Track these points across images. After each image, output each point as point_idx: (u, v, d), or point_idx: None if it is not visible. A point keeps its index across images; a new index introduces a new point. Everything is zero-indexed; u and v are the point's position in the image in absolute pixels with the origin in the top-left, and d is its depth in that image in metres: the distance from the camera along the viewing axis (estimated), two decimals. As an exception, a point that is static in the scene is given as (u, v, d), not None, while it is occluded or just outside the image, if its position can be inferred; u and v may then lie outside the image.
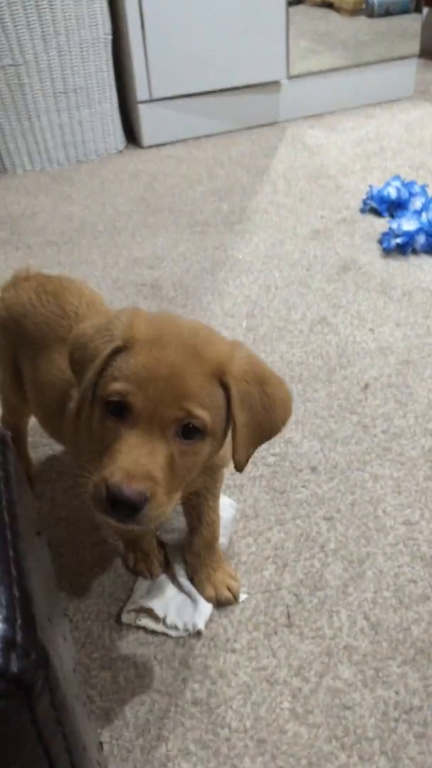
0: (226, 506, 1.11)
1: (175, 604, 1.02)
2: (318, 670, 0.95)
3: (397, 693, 0.92)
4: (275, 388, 0.75)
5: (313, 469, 1.24)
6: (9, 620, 0.36)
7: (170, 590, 1.04)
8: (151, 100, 2.39)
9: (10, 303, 1.04)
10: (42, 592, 0.42)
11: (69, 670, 0.46)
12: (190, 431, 0.70)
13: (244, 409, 0.72)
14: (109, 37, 2.28)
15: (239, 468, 0.76)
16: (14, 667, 0.35)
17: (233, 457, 0.75)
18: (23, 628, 0.36)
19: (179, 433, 0.70)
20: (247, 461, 0.76)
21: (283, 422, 0.76)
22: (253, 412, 0.73)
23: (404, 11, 3.53)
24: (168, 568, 1.08)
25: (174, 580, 1.05)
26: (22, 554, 0.40)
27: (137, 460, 0.67)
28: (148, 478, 0.67)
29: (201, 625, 0.99)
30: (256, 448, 0.77)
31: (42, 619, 0.39)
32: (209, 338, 0.74)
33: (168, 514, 0.72)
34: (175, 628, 1.00)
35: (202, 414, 0.70)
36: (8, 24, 2.12)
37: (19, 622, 0.36)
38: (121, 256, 1.90)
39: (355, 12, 3.57)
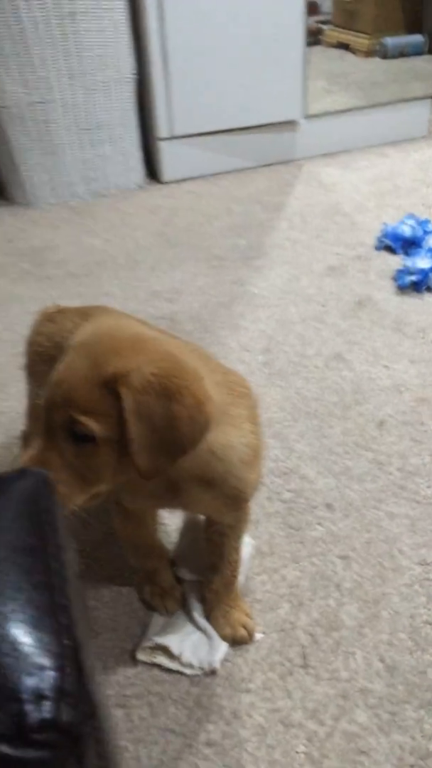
0: (244, 543, 1.11)
1: (190, 642, 1.02)
2: (334, 713, 0.95)
3: (413, 738, 0.91)
4: (184, 406, 0.72)
5: (329, 507, 1.24)
6: (60, 669, 0.36)
7: (186, 627, 1.04)
8: (172, 138, 2.45)
9: (52, 334, 1.05)
10: (86, 637, 0.43)
11: (107, 715, 0.46)
12: (79, 436, 0.73)
13: (140, 421, 0.71)
14: (134, 76, 2.35)
15: (143, 476, 0.75)
16: (65, 717, 0.35)
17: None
18: (73, 677, 0.36)
19: (71, 436, 0.74)
20: (154, 470, 0.74)
21: (191, 441, 0.74)
22: (152, 426, 0.71)
23: (418, 53, 3.61)
24: (184, 605, 1.08)
25: (190, 616, 1.05)
26: (71, 601, 0.41)
27: (30, 454, 0.74)
28: (39, 464, 0.73)
29: (216, 664, 0.99)
30: (170, 460, 0.75)
31: (89, 667, 0.39)
32: (116, 347, 0.73)
33: (77, 503, 0.76)
34: (191, 666, 0.99)
35: (86, 420, 0.72)
36: (37, 63, 2.18)
37: (68, 671, 0.36)
38: (140, 289, 1.93)
39: (370, 53, 3.66)
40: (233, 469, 0.84)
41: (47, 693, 0.35)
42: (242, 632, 1.02)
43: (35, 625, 0.39)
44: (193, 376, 0.73)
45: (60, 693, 0.36)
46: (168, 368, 0.72)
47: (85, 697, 0.37)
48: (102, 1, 2.17)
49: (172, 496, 0.87)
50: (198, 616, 1.05)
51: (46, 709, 0.35)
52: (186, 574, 1.11)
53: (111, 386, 0.71)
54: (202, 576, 1.08)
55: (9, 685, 0.35)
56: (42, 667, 0.36)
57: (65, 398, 0.72)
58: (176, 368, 0.72)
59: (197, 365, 0.77)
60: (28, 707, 0.35)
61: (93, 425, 0.72)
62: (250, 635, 1.03)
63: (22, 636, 0.38)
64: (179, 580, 1.11)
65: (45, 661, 0.37)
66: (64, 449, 0.74)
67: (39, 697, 0.35)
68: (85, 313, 1.03)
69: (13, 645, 0.37)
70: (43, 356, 1.05)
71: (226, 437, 0.82)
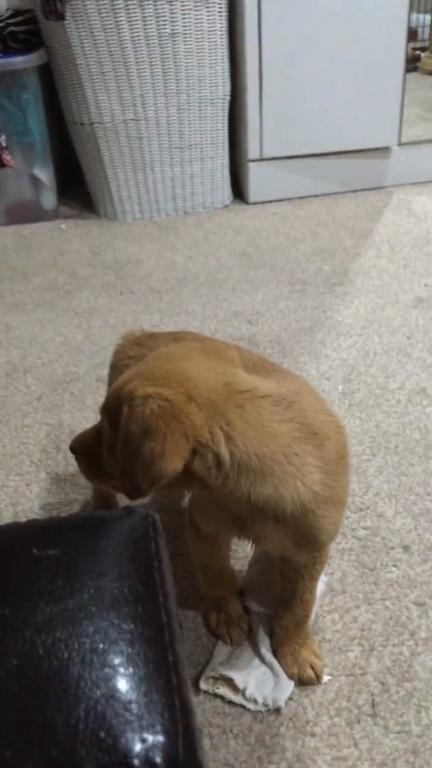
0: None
1: (255, 676, 0.98)
2: (402, 770, 0.90)
3: None
4: (149, 450, 0.71)
5: (406, 549, 1.19)
6: (171, 735, 0.34)
7: (252, 660, 1.01)
8: (261, 159, 2.45)
9: (141, 357, 1.05)
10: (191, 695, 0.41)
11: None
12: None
13: (123, 442, 0.74)
14: (227, 98, 2.37)
15: (123, 492, 0.78)
16: (175, 786, 0.33)
17: None
18: (185, 744, 0.34)
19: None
20: (129, 490, 0.76)
21: (145, 483, 0.74)
22: (128, 452, 0.73)
23: None
24: (251, 637, 1.05)
25: (256, 649, 1.02)
26: (180, 659, 0.39)
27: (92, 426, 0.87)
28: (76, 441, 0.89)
29: (281, 702, 0.96)
30: (146, 483, 0.74)
31: (198, 730, 0.37)
32: (152, 372, 0.76)
33: (91, 481, 0.95)
34: (254, 701, 0.96)
35: (103, 421, 0.81)
36: (135, 81, 2.23)
37: (181, 738, 0.34)
38: (220, 309, 1.93)
39: (468, 82, 3.58)
40: (303, 512, 0.79)
41: (157, 760, 0.33)
42: (310, 673, 0.99)
43: (147, 682, 0.37)
44: (176, 429, 0.71)
45: (171, 762, 0.33)
46: (164, 410, 0.71)
47: (195, 765, 0.35)
48: (203, 24, 2.21)
49: (240, 529, 0.85)
50: (265, 650, 1.02)
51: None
52: (254, 606, 1.08)
53: (122, 402, 0.74)
54: (270, 609, 1.05)
55: (119, 747, 0.34)
56: (153, 731, 0.34)
57: (105, 398, 0.81)
58: (170, 415, 0.71)
59: (233, 414, 0.74)
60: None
61: (104, 428, 0.80)
62: (318, 677, 0.99)
63: (133, 694, 0.36)
64: (247, 611, 1.08)
65: (156, 724, 0.35)
66: (101, 429, 0.82)
67: (149, 764, 0.33)
68: (178, 338, 1.03)
69: (124, 704, 0.35)
70: None
71: (274, 490, 0.76)
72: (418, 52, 3.96)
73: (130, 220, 2.48)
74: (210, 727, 0.95)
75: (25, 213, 2.50)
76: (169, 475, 0.72)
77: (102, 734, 0.33)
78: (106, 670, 0.37)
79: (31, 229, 2.46)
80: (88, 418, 1.51)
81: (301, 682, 0.99)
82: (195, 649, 1.05)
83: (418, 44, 4.04)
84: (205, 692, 0.99)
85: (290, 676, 0.98)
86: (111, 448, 0.78)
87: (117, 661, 0.37)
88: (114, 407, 0.76)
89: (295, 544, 0.85)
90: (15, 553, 0.43)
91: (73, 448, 0.88)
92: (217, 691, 0.98)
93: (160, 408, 0.71)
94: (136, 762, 0.33)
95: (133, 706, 0.35)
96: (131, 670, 0.37)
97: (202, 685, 0.99)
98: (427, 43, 3.98)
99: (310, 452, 0.78)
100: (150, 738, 0.34)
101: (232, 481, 0.75)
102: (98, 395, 1.56)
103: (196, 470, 0.74)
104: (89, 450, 0.85)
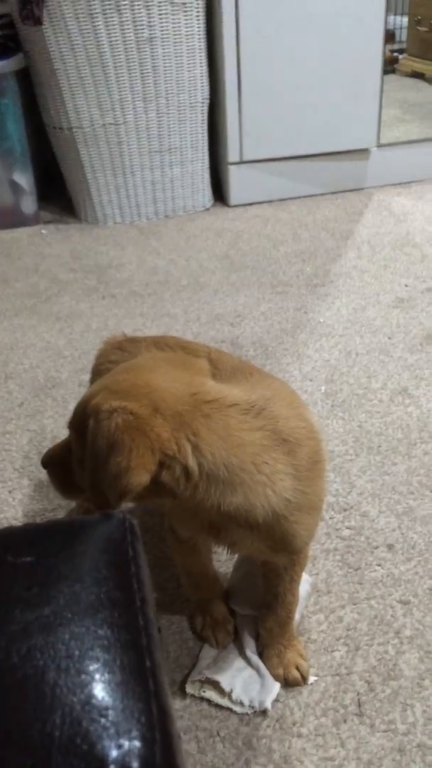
0: (302, 580, 1.08)
1: (242, 679, 0.98)
2: (389, 768, 0.90)
3: (474, 805, 0.86)
4: (116, 464, 0.71)
5: (390, 548, 1.20)
6: (148, 741, 0.34)
7: (237, 663, 1.01)
8: (241, 162, 2.46)
9: (121, 362, 1.05)
10: (170, 702, 0.41)
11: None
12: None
13: (90, 455, 0.74)
14: (207, 101, 2.37)
15: (92, 504, 0.77)
16: (151, 793, 0.33)
17: None
18: (162, 749, 0.34)
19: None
20: (98, 502, 0.75)
21: (113, 498, 0.74)
22: (95, 464, 0.74)
23: None
24: (236, 639, 1.05)
25: (242, 652, 1.02)
26: (158, 664, 0.38)
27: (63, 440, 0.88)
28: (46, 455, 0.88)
29: (268, 704, 0.95)
30: (114, 497, 0.73)
31: (176, 736, 0.37)
32: (117, 385, 0.76)
33: (61, 495, 0.91)
34: (241, 704, 0.96)
35: (70, 435, 0.82)
36: (113, 85, 2.23)
37: (158, 742, 0.34)
38: (202, 312, 1.93)
39: (446, 83, 3.62)
40: (276, 518, 0.79)
41: (134, 766, 0.33)
42: (295, 674, 0.99)
43: (123, 688, 0.37)
44: (142, 443, 0.71)
45: (148, 767, 0.33)
46: (129, 424, 0.71)
47: (173, 772, 0.34)
48: (181, 28, 2.21)
49: (215, 534, 0.85)
50: (250, 652, 1.02)
51: (133, 784, 0.33)
52: (239, 608, 1.08)
53: (89, 416, 0.74)
54: (256, 611, 1.05)
55: (95, 754, 0.33)
56: (130, 737, 0.34)
57: (73, 412, 0.80)
58: (135, 428, 0.71)
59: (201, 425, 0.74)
60: (114, 780, 0.33)
61: (72, 441, 0.80)
62: (304, 677, 0.99)
63: (110, 700, 0.36)
64: (232, 613, 1.08)
65: (133, 730, 0.35)
66: (72, 449, 0.82)
67: (125, 769, 0.33)
68: (160, 343, 1.02)
69: (100, 711, 0.35)
70: None
71: (244, 498, 0.76)
72: (395, 54, 4.00)
73: (111, 224, 2.47)
74: (197, 731, 0.95)
75: (5, 218, 2.49)
76: (136, 489, 0.71)
77: (78, 741, 0.33)
78: (82, 676, 0.36)
79: (11, 234, 2.45)
80: (71, 423, 1.50)
81: (287, 683, 0.99)
82: (181, 653, 1.05)
83: (396, 46, 4.08)
84: (192, 696, 0.99)
85: (276, 678, 0.98)
86: (80, 462, 0.78)
87: (93, 667, 0.37)
88: (81, 421, 0.76)
89: (270, 549, 0.85)
90: (-11, 560, 0.43)
91: (44, 463, 0.88)
92: (203, 694, 0.98)
93: (125, 422, 0.71)
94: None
95: (110, 712, 0.35)
96: (107, 676, 0.37)
97: (188, 689, 0.99)
98: (404, 45, 4.02)
99: (280, 460, 0.78)
100: (126, 744, 0.34)
101: (202, 491, 0.75)
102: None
103: (165, 482, 0.74)
104: (60, 464, 0.85)
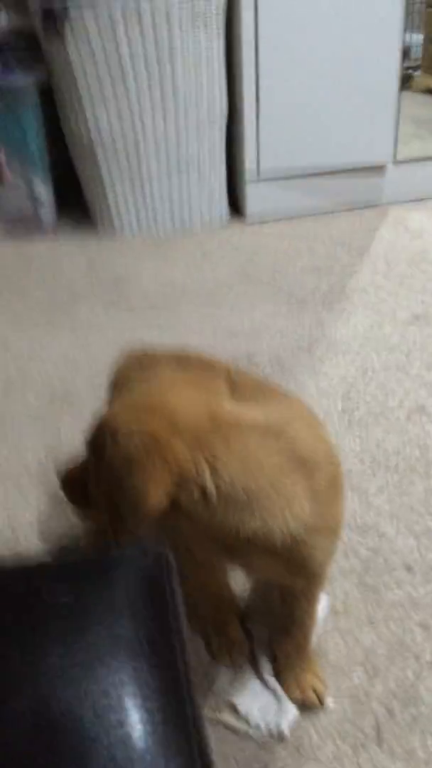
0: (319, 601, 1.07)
1: (258, 702, 0.97)
2: (408, 797, 0.88)
3: None
4: (132, 487, 0.71)
5: (409, 569, 1.19)
6: None
7: (254, 686, 1.00)
8: (259, 178, 2.46)
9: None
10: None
11: None
12: None
13: (105, 475, 0.74)
14: (224, 117, 2.38)
15: (110, 530, 0.76)
16: None
17: None
18: None
19: None
20: (113, 527, 0.74)
21: (132, 524, 0.73)
22: (108, 486, 0.73)
23: None
24: (253, 661, 1.04)
25: (259, 674, 1.01)
26: (198, 712, 0.37)
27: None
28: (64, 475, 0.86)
29: (285, 728, 0.94)
30: (132, 519, 0.73)
31: None
32: (137, 404, 0.76)
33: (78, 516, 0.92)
34: (258, 728, 0.95)
35: (87, 449, 0.79)
36: (133, 99, 2.24)
37: None
38: (219, 326, 1.92)
39: (462, 101, 3.62)
40: (294, 542, 0.78)
41: None
42: (312, 696, 0.98)
43: (167, 745, 0.35)
44: (160, 465, 0.71)
45: None
46: (148, 446, 0.71)
47: None
48: (200, 43, 2.22)
49: (231, 558, 0.84)
50: (267, 674, 1.01)
51: None
52: (256, 629, 1.07)
53: (106, 436, 0.73)
54: (273, 632, 1.04)
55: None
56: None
57: (90, 432, 0.78)
58: (153, 451, 0.71)
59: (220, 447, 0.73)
60: None
61: (89, 461, 0.78)
62: (321, 701, 0.98)
63: (149, 752, 0.34)
64: (249, 635, 1.07)
65: None
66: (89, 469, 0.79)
67: None
68: (182, 360, 1.01)
69: (138, 764, 0.34)
70: None
71: (263, 522, 0.75)
72: (410, 71, 4.00)
73: (128, 235, 2.48)
74: (214, 755, 0.94)
75: (24, 228, 2.50)
76: (154, 511, 0.71)
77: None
78: (124, 728, 0.35)
79: (30, 244, 2.46)
80: (87, 436, 1.50)
81: (304, 706, 0.98)
82: (196, 674, 1.03)
83: (411, 63, 4.08)
84: (208, 719, 0.97)
85: (293, 701, 0.97)
86: (97, 483, 0.77)
87: (135, 718, 0.36)
88: (98, 441, 0.75)
89: (288, 572, 0.84)
90: (26, 601, 0.42)
91: (62, 483, 0.86)
92: (219, 717, 0.97)
93: (143, 443, 0.70)
94: None
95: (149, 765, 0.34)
96: (150, 727, 0.36)
97: (205, 712, 0.97)
98: (419, 62, 4.02)
99: (299, 482, 0.77)
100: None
101: (220, 514, 0.74)
102: (96, 411, 1.55)
103: (182, 504, 0.73)
104: (77, 485, 0.84)
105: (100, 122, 2.28)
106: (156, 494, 0.70)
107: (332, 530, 0.83)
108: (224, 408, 0.77)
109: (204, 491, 0.73)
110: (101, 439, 0.74)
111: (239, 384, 0.96)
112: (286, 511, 0.76)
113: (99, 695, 0.37)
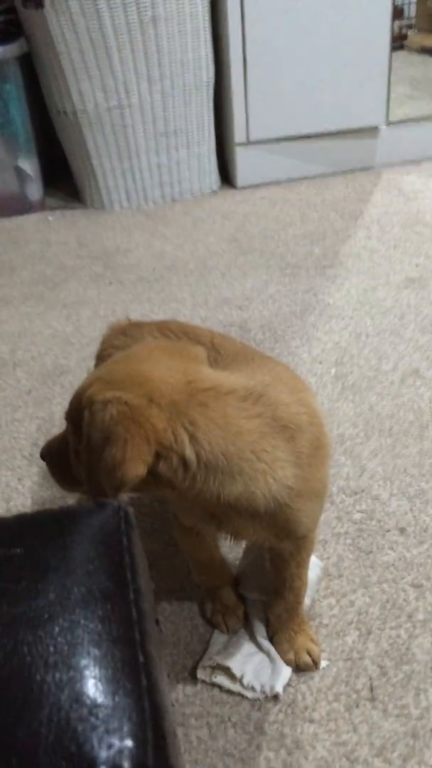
0: (312, 565, 1.07)
1: (252, 664, 0.98)
2: (402, 753, 0.89)
3: None
4: (111, 456, 0.70)
5: (402, 531, 1.19)
6: (140, 740, 0.33)
7: (248, 648, 1.00)
8: (248, 143, 2.42)
9: (126, 347, 1.04)
10: (166, 696, 0.39)
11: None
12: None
13: (86, 447, 0.73)
14: (212, 82, 2.33)
15: (89, 494, 0.77)
16: (143, 795, 0.32)
17: None
18: (155, 747, 0.33)
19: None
20: (95, 492, 0.74)
21: (109, 488, 0.73)
22: (91, 456, 0.73)
23: None
24: (247, 624, 1.04)
25: (252, 637, 1.02)
26: (151, 658, 0.37)
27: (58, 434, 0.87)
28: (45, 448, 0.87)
29: (279, 689, 0.95)
30: (110, 489, 0.73)
31: (170, 734, 0.36)
32: (112, 376, 0.75)
33: (61, 487, 0.90)
34: (252, 689, 0.96)
35: (67, 426, 0.80)
36: (117, 67, 2.20)
37: (150, 741, 0.33)
38: (210, 296, 1.91)
39: (456, 58, 3.54)
40: (278, 506, 0.78)
41: (125, 766, 0.32)
42: (306, 658, 0.98)
43: (114, 685, 0.35)
44: (137, 434, 0.70)
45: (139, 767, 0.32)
46: (123, 415, 0.70)
47: (166, 772, 0.33)
48: (185, 7, 2.17)
49: (218, 524, 0.84)
50: (261, 637, 1.01)
51: (124, 786, 0.32)
52: (249, 593, 1.07)
53: (84, 407, 0.74)
54: (266, 596, 1.05)
55: (84, 754, 0.32)
56: (121, 736, 0.33)
57: (69, 404, 0.79)
58: (130, 419, 0.70)
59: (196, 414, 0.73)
60: (105, 781, 0.32)
61: (69, 433, 0.79)
62: (315, 662, 0.98)
63: (100, 698, 0.35)
64: (242, 598, 1.07)
65: (124, 729, 0.33)
66: (69, 441, 0.80)
67: (116, 770, 0.31)
68: (163, 328, 1.01)
69: (90, 708, 0.34)
70: None
71: (245, 487, 0.75)
72: (405, 30, 3.91)
73: (117, 209, 2.45)
74: (208, 717, 0.95)
75: (11, 205, 2.47)
76: (133, 481, 0.70)
77: (66, 741, 0.32)
78: (71, 672, 0.35)
79: (17, 221, 2.44)
80: (79, 410, 1.50)
81: (299, 668, 0.98)
82: (191, 639, 1.05)
83: (405, 22, 3.99)
84: (203, 681, 0.98)
85: (287, 663, 0.98)
86: (77, 454, 0.78)
87: (83, 663, 0.36)
88: (76, 413, 0.75)
89: (274, 536, 0.84)
90: (-23, 554, 0.42)
91: (43, 455, 0.87)
92: (214, 680, 0.98)
93: (119, 413, 0.70)
94: (102, 768, 0.31)
95: (100, 710, 0.34)
96: (98, 672, 0.36)
97: (200, 675, 0.98)
98: (413, 21, 3.93)
99: (280, 447, 0.76)
100: (117, 743, 0.33)
101: (200, 481, 0.73)
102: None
103: (162, 473, 0.73)
104: (58, 456, 0.84)
105: (84, 94, 2.24)
106: (134, 464, 0.70)
107: (317, 494, 0.83)
108: (202, 374, 0.76)
109: (184, 459, 0.72)
110: (78, 409, 0.74)
111: (221, 349, 0.95)
112: (268, 476, 0.76)
113: (47, 643, 0.37)
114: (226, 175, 2.57)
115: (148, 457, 0.71)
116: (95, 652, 0.36)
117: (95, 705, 0.34)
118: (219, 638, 1.03)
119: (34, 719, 0.33)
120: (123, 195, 2.44)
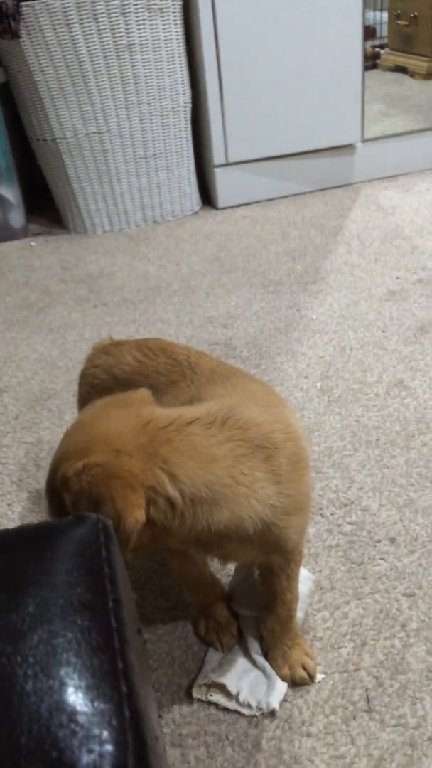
0: (304, 578, 1.07)
1: (248, 681, 0.97)
2: (401, 763, 0.89)
3: None
4: (106, 515, 0.69)
5: (392, 541, 1.19)
6: (121, 745, 0.33)
7: (243, 665, 1.00)
8: (227, 164, 2.46)
9: (108, 366, 1.04)
10: (148, 702, 0.40)
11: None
12: None
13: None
14: (189, 105, 2.37)
15: None
16: (125, 800, 0.32)
17: None
18: (135, 752, 0.33)
19: None
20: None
21: (120, 542, 0.73)
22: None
23: None
24: (241, 641, 1.04)
25: (247, 654, 1.01)
26: (131, 666, 0.37)
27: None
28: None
29: (275, 705, 0.94)
30: (122, 546, 0.73)
31: (152, 739, 0.36)
32: (72, 448, 0.75)
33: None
34: (248, 706, 0.95)
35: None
36: (95, 94, 2.23)
37: (130, 746, 0.33)
38: (195, 315, 1.92)
39: (428, 76, 3.62)
40: (265, 526, 0.78)
41: None
42: (302, 673, 0.98)
43: (94, 692, 0.36)
44: (119, 485, 0.70)
45: None
46: (99, 476, 0.70)
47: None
48: (159, 33, 2.21)
49: (205, 549, 0.83)
50: (256, 653, 1.01)
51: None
52: (242, 610, 1.07)
53: (60, 491, 0.74)
54: (258, 612, 1.04)
55: (64, 760, 0.32)
56: (101, 742, 0.33)
57: (45, 490, 0.79)
58: (106, 476, 0.70)
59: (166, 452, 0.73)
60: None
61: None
62: (311, 676, 0.98)
63: (80, 705, 0.35)
64: (236, 615, 1.07)
65: (104, 735, 0.34)
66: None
67: (97, 776, 0.32)
68: (142, 346, 1.02)
69: (70, 715, 0.34)
70: (97, 388, 1.04)
71: (231, 513, 0.75)
72: (377, 49, 4.00)
73: (99, 232, 2.47)
74: (205, 735, 0.94)
75: (-6, 233, 2.48)
76: (136, 528, 0.70)
77: (46, 747, 0.32)
78: (51, 681, 0.35)
79: (0, 248, 2.45)
80: (67, 433, 1.49)
81: (294, 683, 0.98)
82: (186, 658, 1.04)
83: (377, 42, 4.08)
84: (199, 700, 0.98)
85: (282, 678, 0.97)
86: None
87: (62, 671, 0.36)
88: (56, 497, 0.75)
89: (264, 553, 0.85)
90: None
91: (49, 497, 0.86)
92: (210, 698, 0.97)
93: (95, 475, 0.70)
94: (82, 775, 0.32)
95: (80, 717, 0.34)
96: (77, 680, 0.36)
97: (195, 694, 0.97)
98: (385, 41, 4.02)
99: (258, 467, 0.76)
100: (97, 749, 0.33)
101: (190, 516, 0.73)
102: (76, 410, 1.55)
103: (155, 519, 0.73)
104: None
105: (63, 120, 2.27)
106: (130, 512, 0.70)
107: (301, 507, 0.83)
108: (155, 413, 0.77)
109: (169, 499, 0.72)
110: (58, 494, 0.75)
111: (197, 368, 0.96)
112: (250, 498, 0.76)
113: (26, 654, 0.37)
114: (207, 196, 2.60)
115: (141, 500, 0.71)
116: (75, 660, 0.37)
117: (75, 712, 0.34)
118: (213, 656, 1.02)
119: (14, 728, 0.33)
120: (105, 219, 2.46)
